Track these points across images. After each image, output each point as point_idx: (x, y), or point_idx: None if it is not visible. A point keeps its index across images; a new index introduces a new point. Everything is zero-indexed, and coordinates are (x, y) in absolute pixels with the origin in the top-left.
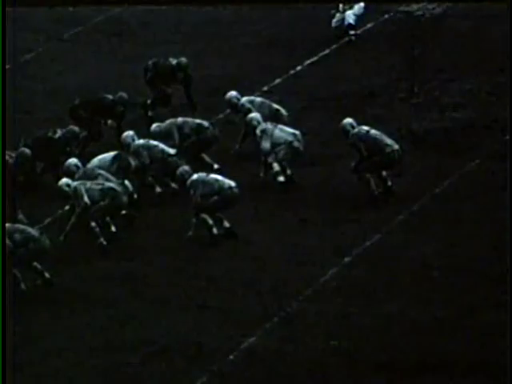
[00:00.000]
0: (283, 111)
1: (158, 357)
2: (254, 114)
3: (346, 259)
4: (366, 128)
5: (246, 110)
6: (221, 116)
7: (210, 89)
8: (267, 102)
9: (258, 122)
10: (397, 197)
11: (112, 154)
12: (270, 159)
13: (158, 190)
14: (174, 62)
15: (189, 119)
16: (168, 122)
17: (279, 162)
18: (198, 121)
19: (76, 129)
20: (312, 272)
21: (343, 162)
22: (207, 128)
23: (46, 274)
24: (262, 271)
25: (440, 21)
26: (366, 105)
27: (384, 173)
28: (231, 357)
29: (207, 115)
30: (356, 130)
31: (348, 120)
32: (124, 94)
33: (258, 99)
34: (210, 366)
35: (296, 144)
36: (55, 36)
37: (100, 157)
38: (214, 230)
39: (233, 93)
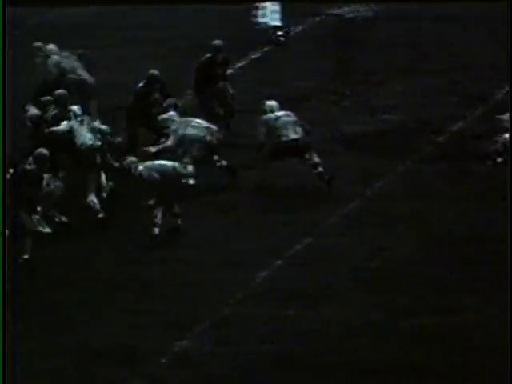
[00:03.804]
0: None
1: (92, 360)
2: (166, 115)
3: (278, 262)
4: (280, 114)
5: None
6: None
7: None
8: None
9: (172, 121)
10: (328, 199)
11: None
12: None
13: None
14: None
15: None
16: None
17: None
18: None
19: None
20: (244, 275)
21: (277, 164)
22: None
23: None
24: (195, 274)
25: (371, 23)
26: (297, 108)
27: (320, 168)
28: (164, 360)
29: None
30: (268, 115)
31: (272, 102)
32: None
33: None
34: (143, 370)
35: (208, 138)
36: None
37: None
38: (156, 230)
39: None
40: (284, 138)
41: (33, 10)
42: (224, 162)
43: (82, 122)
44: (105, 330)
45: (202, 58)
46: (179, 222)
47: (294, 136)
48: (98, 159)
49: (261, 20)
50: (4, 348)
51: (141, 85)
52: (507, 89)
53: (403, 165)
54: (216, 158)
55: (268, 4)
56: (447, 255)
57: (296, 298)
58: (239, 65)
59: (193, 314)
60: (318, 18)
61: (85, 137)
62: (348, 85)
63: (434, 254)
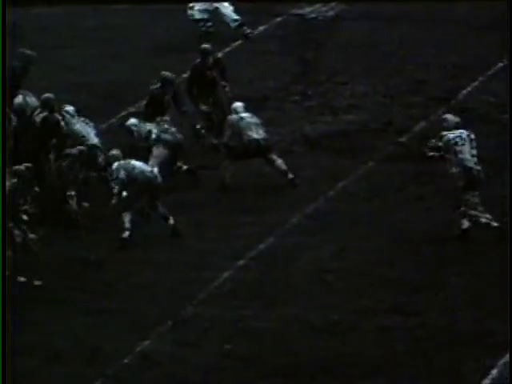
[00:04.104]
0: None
1: (54, 360)
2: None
3: (241, 262)
4: (244, 115)
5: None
6: (113, 120)
7: (104, 93)
8: None
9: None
10: (291, 199)
11: None
12: None
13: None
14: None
15: None
16: None
17: None
18: None
19: None
20: (206, 275)
21: (238, 165)
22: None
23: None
24: (157, 274)
25: (333, 23)
26: (258, 108)
27: (284, 166)
28: (126, 360)
29: (101, 120)
30: (233, 116)
31: (238, 103)
32: None
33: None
34: (105, 370)
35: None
36: None
37: None
38: (126, 234)
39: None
40: (246, 138)
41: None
42: (185, 167)
43: (86, 122)
44: (67, 330)
45: (194, 63)
46: (171, 221)
47: (256, 136)
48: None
49: (230, 18)
50: None
51: (155, 86)
52: (469, 89)
53: (366, 165)
54: (179, 163)
55: (224, 4)
56: (410, 255)
57: (258, 298)
58: None
59: (155, 315)
60: (279, 19)
61: (93, 138)
62: (310, 85)
63: (396, 254)
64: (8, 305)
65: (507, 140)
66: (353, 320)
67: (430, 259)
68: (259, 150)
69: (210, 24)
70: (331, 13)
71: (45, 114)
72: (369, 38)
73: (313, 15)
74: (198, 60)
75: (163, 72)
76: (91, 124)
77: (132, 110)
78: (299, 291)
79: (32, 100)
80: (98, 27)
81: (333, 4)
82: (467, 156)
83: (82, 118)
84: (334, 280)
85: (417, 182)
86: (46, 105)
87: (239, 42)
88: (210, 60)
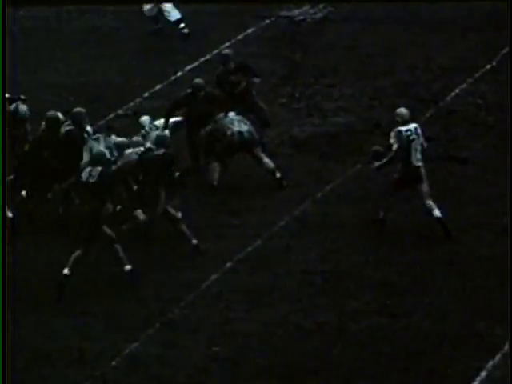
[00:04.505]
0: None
1: (41, 362)
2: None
3: (228, 264)
4: (230, 114)
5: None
6: (102, 122)
7: (92, 95)
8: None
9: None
10: (278, 201)
11: None
12: None
13: None
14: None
15: None
16: None
17: None
18: None
19: None
20: (193, 277)
21: (224, 166)
22: None
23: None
24: (143, 276)
25: (321, 25)
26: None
27: (271, 165)
28: (114, 363)
29: (89, 122)
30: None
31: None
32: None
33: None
34: (93, 372)
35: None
36: None
37: None
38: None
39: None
40: (229, 132)
41: None
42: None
43: (97, 140)
44: (53, 331)
45: (218, 71)
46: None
47: (239, 129)
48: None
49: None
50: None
51: (186, 93)
52: (457, 91)
53: (353, 167)
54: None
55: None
56: (397, 257)
57: (246, 300)
58: (189, 67)
59: (143, 317)
60: (267, 21)
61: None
62: (298, 87)
63: (384, 255)
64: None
65: (494, 142)
66: (340, 322)
67: (418, 261)
68: (243, 143)
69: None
70: (319, 15)
71: (70, 127)
72: (356, 40)
73: (301, 17)
74: (220, 68)
75: (195, 79)
76: (110, 140)
77: (120, 112)
78: (287, 293)
79: (22, 108)
80: (84, 28)
81: (320, 6)
82: (418, 153)
83: (102, 138)
84: (321, 282)
85: None
86: (74, 119)
87: (227, 44)
88: (232, 65)
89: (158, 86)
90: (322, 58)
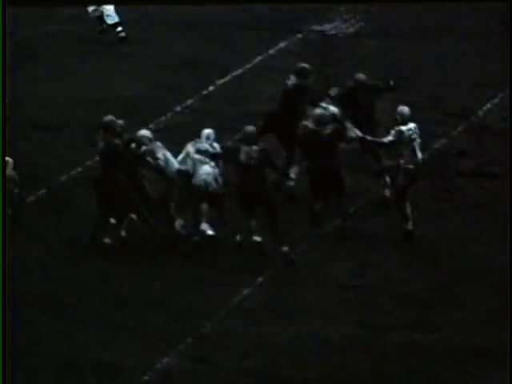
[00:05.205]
0: None
1: (72, 377)
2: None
3: (260, 279)
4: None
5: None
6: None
7: (122, 109)
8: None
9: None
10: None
11: None
12: None
13: None
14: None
15: None
16: None
17: None
18: None
19: None
20: (225, 292)
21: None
22: None
23: None
24: (174, 291)
25: (353, 40)
26: None
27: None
28: (145, 377)
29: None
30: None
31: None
32: None
33: None
34: None
35: None
36: None
37: None
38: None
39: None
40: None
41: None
42: None
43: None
44: (86, 345)
45: (290, 84)
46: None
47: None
48: None
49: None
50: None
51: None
52: (489, 105)
53: (385, 181)
54: None
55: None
56: (429, 272)
57: (278, 315)
58: (221, 81)
59: (175, 331)
60: (299, 35)
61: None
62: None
63: (416, 270)
64: (20, 316)
65: None
66: (371, 336)
67: (452, 275)
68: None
69: (104, 25)
70: (351, 29)
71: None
72: (387, 54)
73: (332, 32)
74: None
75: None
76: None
77: (151, 126)
78: (318, 308)
79: None
80: (114, 43)
81: (353, 21)
82: (419, 152)
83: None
84: (353, 297)
85: (437, 198)
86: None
87: (259, 58)
88: (310, 81)
89: (190, 101)
90: (353, 72)
